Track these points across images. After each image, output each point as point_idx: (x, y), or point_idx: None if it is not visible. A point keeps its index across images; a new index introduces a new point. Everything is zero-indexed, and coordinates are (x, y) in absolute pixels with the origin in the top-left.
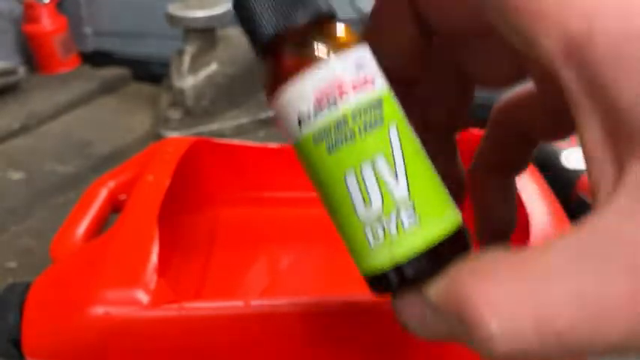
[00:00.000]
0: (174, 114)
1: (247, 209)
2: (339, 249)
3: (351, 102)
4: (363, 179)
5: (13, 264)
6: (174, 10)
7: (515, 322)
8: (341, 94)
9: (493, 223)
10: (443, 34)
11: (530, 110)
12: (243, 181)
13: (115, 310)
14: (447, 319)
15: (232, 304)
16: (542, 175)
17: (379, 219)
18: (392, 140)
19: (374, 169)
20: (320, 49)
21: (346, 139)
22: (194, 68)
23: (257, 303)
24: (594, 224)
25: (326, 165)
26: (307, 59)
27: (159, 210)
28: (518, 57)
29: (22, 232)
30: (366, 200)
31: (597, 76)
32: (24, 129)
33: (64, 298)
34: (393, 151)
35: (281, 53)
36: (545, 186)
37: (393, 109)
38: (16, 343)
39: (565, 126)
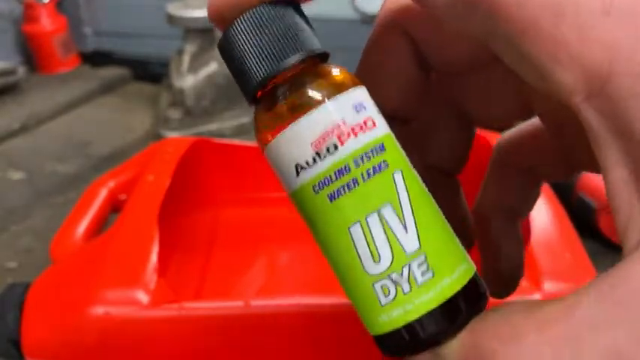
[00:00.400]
0: (174, 114)
1: (247, 209)
2: None
3: (351, 147)
4: (369, 231)
5: (13, 264)
6: (174, 9)
7: None
8: (340, 139)
9: (500, 268)
10: (441, 69)
11: (536, 148)
12: (243, 181)
13: (115, 310)
14: None
15: (232, 304)
16: None
17: (390, 275)
18: (398, 186)
19: (381, 219)
20: (314, 92)
21: (349, 187)
22: (194, 68)
23: (257, 303)
24: (625, 274)
25: (328, 215)
26: (302, 104)
27: (159, 210)
28: (524, 90)
29: (22, 232)
30: (374, 255)
31: (621, 113)
32: (24, 129)
33: (63, 298)
34: (400, 199)
35: (273, 99)
36: (546, 186)
37: (396, 152)
38: (16, 343)
39: (575, 164)
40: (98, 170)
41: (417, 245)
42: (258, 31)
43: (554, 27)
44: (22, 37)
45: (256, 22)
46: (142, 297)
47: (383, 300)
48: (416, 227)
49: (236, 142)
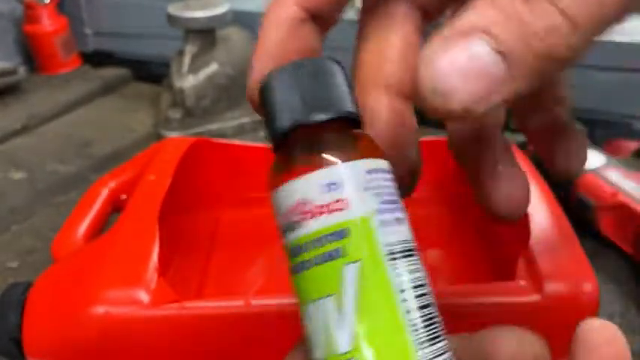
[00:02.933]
0: (175, 114)
1: (248, 209)
2: None
3: (312, 226)
4: (313, 316)
5: (14, 263)
6: (175, 10)
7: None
8: (305, 214)
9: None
10: None
11: None
12: (243, 181)
13: (116, 310)
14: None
15: (233, 304)
16: (542, 175)
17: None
18: (347, 281)
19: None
20: (325, 154)
21: (303, 267)
22: (194, 68)
23: (257, 302)
24: None
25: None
26: (308, 163)
27: (160, 209)
28: None
29: (24, 231)
30: (312, 342)
31: None
32: (25, 129)
33: (65, 298)
34: (343, 295)
35: (292, 149)
36: (545, 186)
37: (364, 241)
38: (17, 343)
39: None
40: (99, 170)
41: (347, 347)
42: (294, 82)
43: None
44: (23, 38)
45: (296, 73)
46: (143, 296)
47: None
48: (353, 328)
49: (236, 142)
